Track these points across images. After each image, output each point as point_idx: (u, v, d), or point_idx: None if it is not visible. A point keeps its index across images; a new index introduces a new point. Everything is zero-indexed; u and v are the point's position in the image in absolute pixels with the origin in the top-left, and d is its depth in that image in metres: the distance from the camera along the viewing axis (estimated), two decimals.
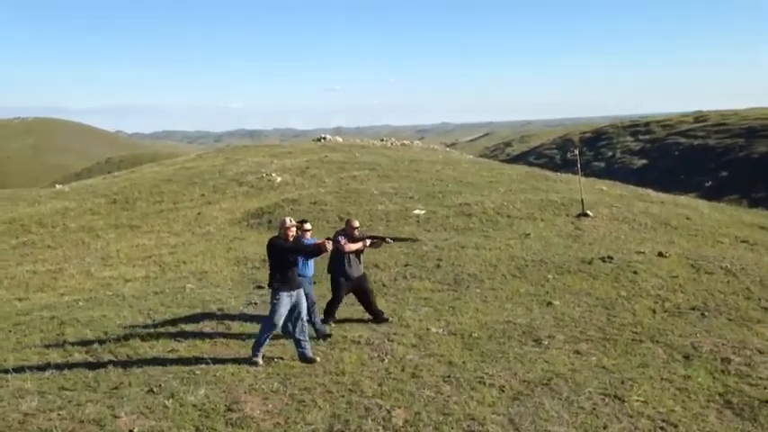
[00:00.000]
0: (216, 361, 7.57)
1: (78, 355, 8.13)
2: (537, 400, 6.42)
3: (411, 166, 26.32)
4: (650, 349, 8.21)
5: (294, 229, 7.68)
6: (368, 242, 9.35)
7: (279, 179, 24.12)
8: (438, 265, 12.61)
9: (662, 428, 5.79)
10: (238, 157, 31.73)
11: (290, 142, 51.00)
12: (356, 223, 9.44)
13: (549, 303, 10.13)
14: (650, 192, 24.03)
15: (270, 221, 18.32)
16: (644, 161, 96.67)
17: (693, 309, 9.94)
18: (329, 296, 9.59)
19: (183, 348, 8.22)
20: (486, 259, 12.84)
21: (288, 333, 8.11)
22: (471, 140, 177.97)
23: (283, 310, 7.61)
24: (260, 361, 7.53)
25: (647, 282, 11.26)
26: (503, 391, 6.65)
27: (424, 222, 17.04)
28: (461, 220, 16.99)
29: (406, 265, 12.75)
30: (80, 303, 11.36)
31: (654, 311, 9.82)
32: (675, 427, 5.84)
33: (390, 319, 9.44)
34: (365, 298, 9.54)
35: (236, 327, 9.25)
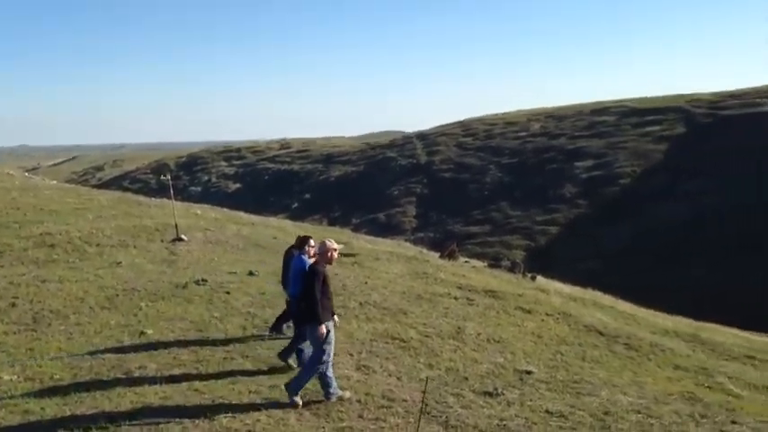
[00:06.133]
0: None
1: None
2: None
3: None
4: (241, 365, 8.64)
5: (337, 252, 7.16)
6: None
7: None
8: (13, 304, 11.17)
9: None
10: None
11: None
12: (312, 242, 9.08)
13: (142, 333, 9.85)
14: (242, 214, 25.33)
15: None
16: (238, 185, 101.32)
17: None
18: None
19: None
20: (72, 292, 11.87)
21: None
22: (55, 164, 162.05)
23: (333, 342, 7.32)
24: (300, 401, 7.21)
25: (239, 300, 11.84)
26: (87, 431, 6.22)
27: None
28: (42, 252, 15.38)
29: None
30: None
31: (244, 328, 10.36)
32: None
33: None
34: None
35: None
